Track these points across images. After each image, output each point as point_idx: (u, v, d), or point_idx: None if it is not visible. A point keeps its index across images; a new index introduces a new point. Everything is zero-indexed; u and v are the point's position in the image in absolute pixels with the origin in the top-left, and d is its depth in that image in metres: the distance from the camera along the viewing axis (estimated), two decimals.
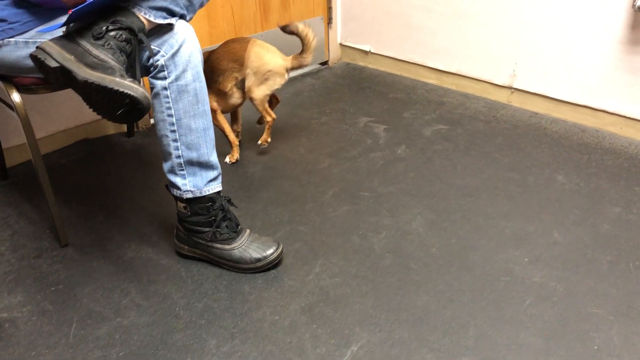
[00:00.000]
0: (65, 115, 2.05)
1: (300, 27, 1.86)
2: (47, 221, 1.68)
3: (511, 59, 2.25)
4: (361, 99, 2.42)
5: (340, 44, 2.81)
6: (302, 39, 1.88)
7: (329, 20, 2.71)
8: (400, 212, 1.68)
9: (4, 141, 1.90)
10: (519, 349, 1.22)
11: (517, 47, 2.21)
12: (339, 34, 2.78)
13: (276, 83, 1.87)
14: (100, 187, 1.85)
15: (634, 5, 1.79)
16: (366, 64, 2.76)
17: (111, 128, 2.18)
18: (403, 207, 1.71)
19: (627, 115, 2.03)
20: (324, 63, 2.80)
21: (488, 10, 2.24)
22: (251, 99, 1.89)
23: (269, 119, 1.93)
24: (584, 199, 1.71)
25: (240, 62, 1.82)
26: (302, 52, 1.88)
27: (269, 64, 1.84)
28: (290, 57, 1.89)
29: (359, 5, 2.65)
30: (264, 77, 1.83)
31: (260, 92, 1.85)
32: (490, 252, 1.51)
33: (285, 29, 1.90)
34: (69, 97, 2.04)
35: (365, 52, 2.73)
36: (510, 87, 2.30)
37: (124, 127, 2.18)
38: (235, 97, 1.89)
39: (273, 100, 2.00)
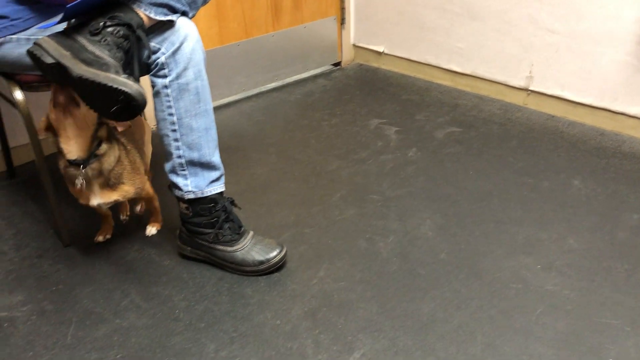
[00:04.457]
0: None
1: None
2: (51, 221, 1.67)
3: (528, 60, 2.19)
4: (373, 100, 2.38)
5: (354, 45, 2.77)
6: None
7: (342, 21, 2.68)
8: (409, 216, 1.64)
9: (12, 140, 1.89)
10: (529, 359, 1.17)
11: (534, 48, 2.15)
12: (352, 34, 2.75)
13: None
14: None
15: None
16: (379, 65, 2.72)
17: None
18: (412, 211, 1.66)
19: None
20: (337, 64, 2.77)
21: (504, 11, 2.18)
22: None
23: None
24: (601, 205, 1.65)
25: None
26: None
27: None
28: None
29: (373, 6, 2.61)
30: None
31: None
32: (501, 259, 1.46)
33: None
34: None
35: (379, 53, 2.69)
36: (526, 89, 2.24)
37: None
38: None
39: None
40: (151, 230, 1.59)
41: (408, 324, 1.27)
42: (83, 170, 1.31)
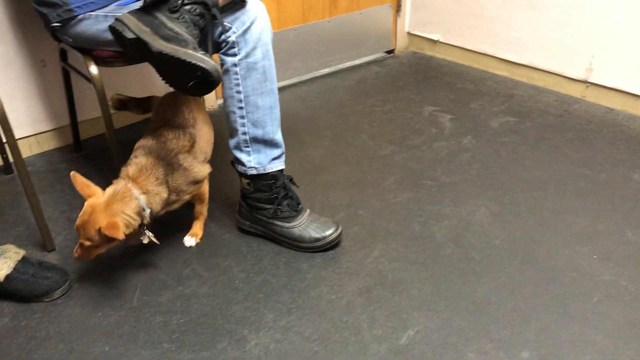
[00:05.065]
0: (137, 93, 2.12)
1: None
2: None
3: (588, 52, 2.15)
4: (427, 88, 2.39)
5: (408, 33, 2.77)
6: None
7: (398, 8, 2.68)
8: (464, 203, 1.65)
9: (80, 114, 1.98)
10: (584, 346, 1.17)
11: (596, 39, 2.11)
12: (407, 22, 2.75)
13: None
14: None
15: None
16: (434, 54, 2.71)
17: None
18: (466, 197, 1.67)
19: None
20: (390, 51, 2.77)
21: (566, 1, 2.15)
22: None
23: None
24: None
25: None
26: None
27: None
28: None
29: None
30: None
31: None
32: (556, 247, 1.45)
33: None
34: (142, 75, 2.11)
35: (434, 41, 2.68)
36: (585, 81, 2.20)
37: None
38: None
39: None
40: (190, 241, 1.54)
41: (462, 305, 1.29)
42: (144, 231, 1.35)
